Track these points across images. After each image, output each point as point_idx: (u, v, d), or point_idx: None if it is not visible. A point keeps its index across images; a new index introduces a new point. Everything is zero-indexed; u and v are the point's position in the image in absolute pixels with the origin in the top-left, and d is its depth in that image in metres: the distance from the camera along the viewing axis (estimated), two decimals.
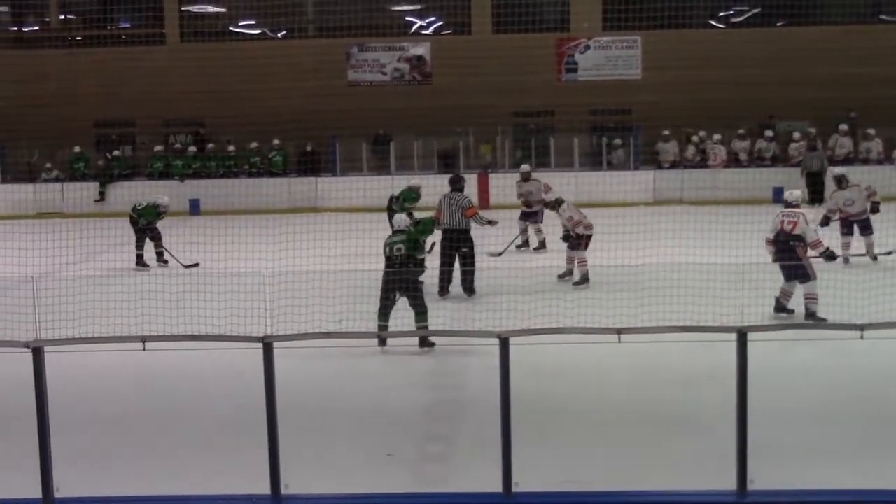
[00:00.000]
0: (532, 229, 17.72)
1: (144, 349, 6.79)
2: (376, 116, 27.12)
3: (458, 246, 13.82)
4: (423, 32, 29.79)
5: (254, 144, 26.76)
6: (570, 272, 14.15)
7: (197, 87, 27.80)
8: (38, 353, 6.44)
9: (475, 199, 17.36)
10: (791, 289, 11.77)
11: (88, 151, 27.74)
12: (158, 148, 27.49)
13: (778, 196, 23.59)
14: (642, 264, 11.13)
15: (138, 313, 9.76)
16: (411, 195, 17.07)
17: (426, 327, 10.96)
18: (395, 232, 11.87)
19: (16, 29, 31.23)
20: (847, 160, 24.29)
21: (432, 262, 13.09)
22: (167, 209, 17.30)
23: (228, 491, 6.72)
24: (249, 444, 7.07)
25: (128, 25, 30.41)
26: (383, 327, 10.95)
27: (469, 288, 13.57)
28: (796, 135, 25.49)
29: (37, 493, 6.46)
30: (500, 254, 16.27)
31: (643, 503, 6.65)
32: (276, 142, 26.62)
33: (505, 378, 6.35)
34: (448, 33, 29.81)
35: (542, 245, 17.47)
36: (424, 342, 11.00)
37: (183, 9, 29.70)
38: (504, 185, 20.83)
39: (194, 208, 24.63)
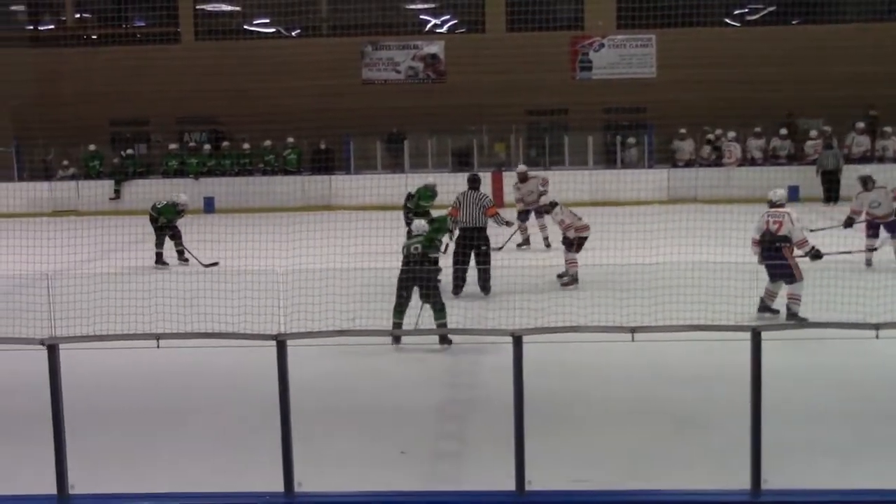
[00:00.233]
0: (538, 225, 17.70)
1: (158, 347, 6.80)
2: (390, 115, 27.14)
3: (477, 244, 13.83)
4: (438, 31, 29.80)
5: (268, 142, 26.82)
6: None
7: (211, 85, 27.87)
8: (53, 351, 6.46)
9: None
10: (776, 289, 11.66)
11: (103, 150, 27.86)
12: (173, 146, 27.58)
13: (793, 195, 23.55)
14: (656, 263, 11.10)
15: (152, 311, 9.80)
16: (427, 193, 17.05)
17: (445, 324, 10.97)
18: (413, 236, 11.88)
19: (32, 28, 31.37)
20: (864, 158, 24.21)
21: (445, 261, 13.10)
22: (186, 207, 17.35)
23: (242, 488, 6.73)
24: (263, 442, 7.08)
25: (143, 24, 30.52)
26: (398, 325, 10.96)
27: (486, 286, 13.57)
28: (812, 133, 25.40)
29: (52, 489, 6.48)
30: (500, 248, 16.28)
31: (657, 502, 6.63)
32: (290, 140, 26.67)
33: (518, 376, 6.34)
34: (462, 31, 29.81)
35: (545, 242, 17.44)
36: (444, 339, 11.01)
37: (198, 7, 29.79)
38: None
39: (209, 206, 24.71)
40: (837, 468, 7.32)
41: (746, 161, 25.38)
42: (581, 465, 7.45)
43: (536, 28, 26.28)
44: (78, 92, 27.65)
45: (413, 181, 19.11)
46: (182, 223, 17.07)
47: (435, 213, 15.34)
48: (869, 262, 14.52)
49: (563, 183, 21.73)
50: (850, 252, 13.14)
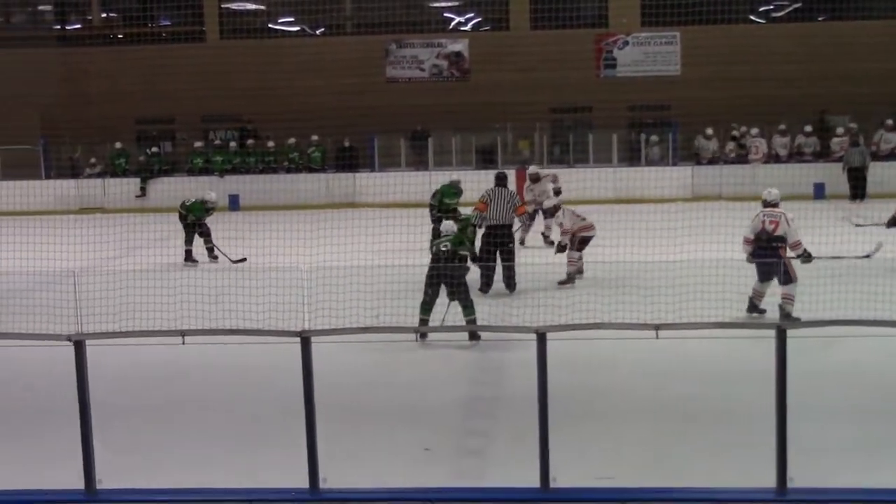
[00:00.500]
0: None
1: (184, 343, 6.84)
2: (414, 112, 27.16)
3: (504, 241, 13.81)
4: (462, 29, 29.81)
5: (292, 140, 26.90)
6: (580, 270, 14.14)
7: (236, 83, 28.03)
8: (79, 347, 6.50)
9: None
10: (764, 289, 11.49)
11: (130, 148, 28.03)
12: (198, 144, 27.71)
13: (820, 192, 23.43)
14: (680, 260, 11.07)
15: (178, 307, 9.85)
16: (451, 191, 17.05)
17: (475, 320, 10.98)
18: (442, 236, 11.89)
19: (59, 27, 31.62)
20: (893, 155, 24.06)
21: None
22: (215, 205, 17.44)
23: (267, 484, 6.76)
24: (288, 438, 7.10)
25: (168, 23, 30.70)
26: (424, 321, 10.98)
27: (511, 283, 13.57)
28: (839, 130, 25.23)
29: (79, 484, 6.53)
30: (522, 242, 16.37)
31: (682, 500, 6.60)
32: (314, 138, 26.75)
33: (542, 373, 6.33)
34: (486, 29, 29.81)
35: (546, 241, 17.43)
36: (473, 335, 11.03)
37: (223, 6, 29.93)
38: None
39: (233, 204, 24.81)
40: (864, 466, 7.27)
41: (771, 158, 25.24)
42: (605, 462, 7.45)
43: (561, 26, 26.25)
44: (104, 91, 27.87)
45: (437, 179, 19.11)
46: (209, 221, 17.15)
47: (463, 211, 15.35)
48: None
49: (587, 181, 21.74)
50: (841, 258, 12.88)
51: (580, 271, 14.15)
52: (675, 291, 10.15)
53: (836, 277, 10.94)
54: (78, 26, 31.83)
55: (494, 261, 13.59)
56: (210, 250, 16.83)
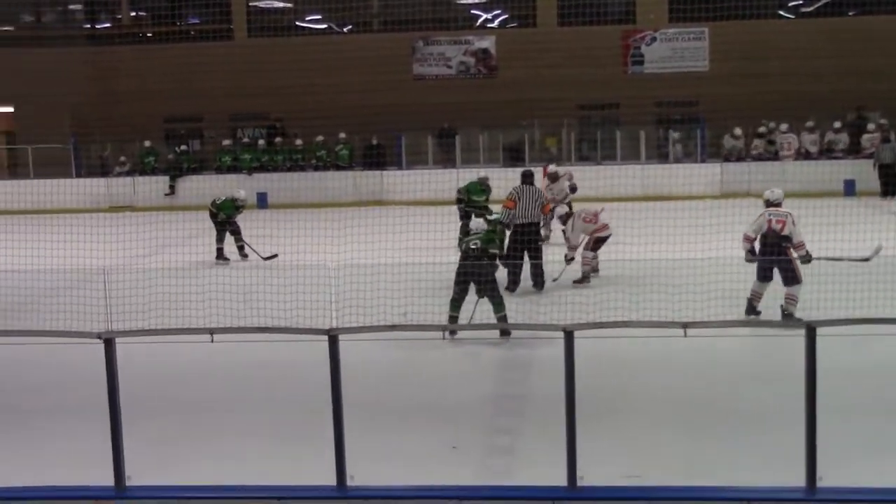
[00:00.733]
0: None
1: (212, 341, 6.87)
2: (441, 110, 27.17)
3: (532, 239, 13.76)
4: (489, 26, 29.80)
5: (320, 138, 26.97)
6: (595, 269, 14.11)
7: (264, 81, 28.13)
8: (109, 344, 6.54)
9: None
10: (762, 290, 11.32)
11: (158, 146, 28.23)
12: (226, 142, 27.86)
13: (850, 189, 23.24)
14: (709, 258, 11.01)
15: (206, 305, 9.90)
16: (478, 188, 17.05)
17: (505, 317, 10.99)
18: (472, 234, 11.90)
19: (89, 26, 31.87)
20: None
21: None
22: (245, 203, 17.50)
23: (295, 482, 6.78)
24: (315, 436, 7.13)
25: (196, 21, 30.87)
26: (454, 318, 11.00)
27: (539, 281, 13.55)
28: (870, 126, 25.02)
29: (109, 481, 6.58)
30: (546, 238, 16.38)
31: (710, 499, 6.57)
32: (342, 135, 26.81)
33: (570, 371, 6.32)
34: (513, 26, 29.77)
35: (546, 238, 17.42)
36: (504, 332, 11.04)
37: (250, 4, 30.07)
38: None
39: (261, 202, 24.91)
40: (894, 466, 7.21)
41: (800, 155, 25.07)
42: (633, 461, 7.42)
43: (588, 22, 26.13)
44: (133, 89, 28.05)
45: (464, 176, 19.12)
46: (239, 218, 17.22)
47: (494, 208, 15.35)
48: None
49: (614, 178, 21.66)
50: (840, 259, 12.69)
51: (595, 270, 14.13)
52: (704, 290, 10.10)
53: (852, 277, 10.81)
54: (107, 25, 32.09)
55: (522, 259, 13.57)
56: (241, 248, 16.90)
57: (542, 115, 26.81)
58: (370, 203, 23.92)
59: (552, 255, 14.58)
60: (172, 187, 26.22)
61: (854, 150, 25.04)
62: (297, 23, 30.16)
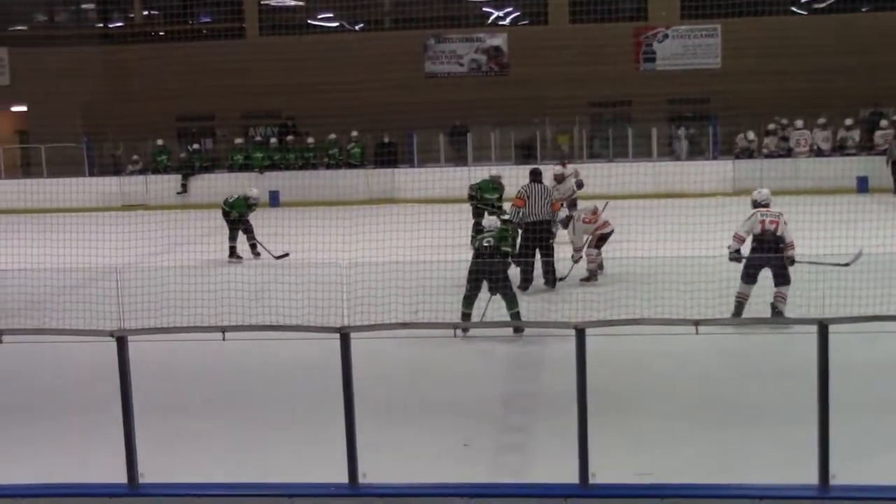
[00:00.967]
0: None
1: (224, 339, 6.89)
2: (453, 108, 27.17)
3: (544, 237, 13.74)
4: (500, 23, 29.77)
5: (332, 136, 26.99)
6: (600, 266, 14.11)
7: (275, 80, 28.17)
8: (122, 342, 6.56)
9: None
10: (748, 291, 11.25)
11: (170, 145, 28.30)
12: (238, 141, 27.91)
13: (863, 185, 23.15)
14: (721, 255, 11.00)
15: (218, 304, 9.92)
16: (490, 186, 17.05)
17: (518, 314, 10.99)
18: (486, 232, 11.91)
19: (101, 25, 31.97)
20: None
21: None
22: (258, 201, 17.52)
23: (307, 479, 6.79)
24: (327, 433, 7.13)
25: (208, 20, 30.94)
26: (466, 315, 11.01)
27: (551, 279, 13.54)
28: (883, 122, 24.91)
29: (122, 478, 6.60)
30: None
31: (722, 496, 6.56)
32: (354, 133, 26.82)
33: (581, 369, 6.31)
34: (525, 24, 29.74)
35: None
36: (517, 329, 11.04)
37: (262, 3, 30.12)
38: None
39: (273, 200, 24.93)
40: None
41: (813, 152, 24.98)
42: (645, 458, 7.41)
43: (599, 19, 26.12)
44: (145, 88, 28.16)
45: (476, 174, 19.10)
46: (251, 217, 17.25)
47: (507, 207, 15.34)
48: None
49: (626, 175, 21.61)
50: (820, 263, 12.60)
51: (600, 267, 14.12)
52: (715, 287, 10.08)
53: (862, 274, 10.75)
54: (120, 24, 32.18)
55: (533, 257, 13.56)
56: (253, 247, 16.93)
57: (554, 113, 26.78)
58: (382, 201, 23.94)
59: (561, 253, 14.58)
60: (185, 186, 26.28)
61: (867, 147, 24.92)
62: (309, 21, 30.17)
